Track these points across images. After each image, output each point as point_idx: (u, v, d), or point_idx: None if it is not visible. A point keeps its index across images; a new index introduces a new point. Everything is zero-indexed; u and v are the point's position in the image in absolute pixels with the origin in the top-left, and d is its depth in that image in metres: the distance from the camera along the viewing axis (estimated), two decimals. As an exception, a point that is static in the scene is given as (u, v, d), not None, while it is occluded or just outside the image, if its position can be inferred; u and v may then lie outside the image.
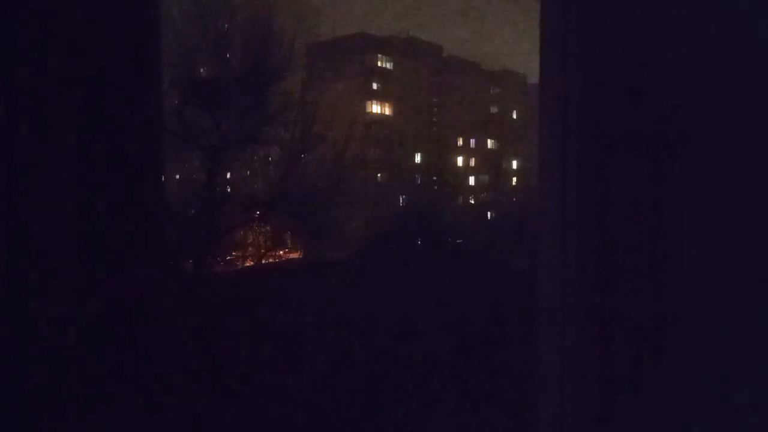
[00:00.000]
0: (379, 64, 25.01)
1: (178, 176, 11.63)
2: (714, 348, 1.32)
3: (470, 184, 27.37)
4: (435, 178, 24.78)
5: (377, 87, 24.90)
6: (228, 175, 12.54)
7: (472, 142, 28.00)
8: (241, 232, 11.95)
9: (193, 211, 10.97)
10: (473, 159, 27.74)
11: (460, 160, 27.22)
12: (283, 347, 8.76)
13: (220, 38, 11.59)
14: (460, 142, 27.61)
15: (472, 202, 26.25)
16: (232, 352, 8.28)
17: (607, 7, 1.35)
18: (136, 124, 1.12)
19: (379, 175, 22.45)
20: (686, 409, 1.34)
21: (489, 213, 23.06)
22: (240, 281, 10.89)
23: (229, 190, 12.04)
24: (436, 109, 26.83)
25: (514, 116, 28.47)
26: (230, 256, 11.75)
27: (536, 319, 1.46)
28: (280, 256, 13.19)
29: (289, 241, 13.28)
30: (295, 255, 13.81)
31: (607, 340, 1.37)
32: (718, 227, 1.31)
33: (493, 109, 27.85)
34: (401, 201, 21.47)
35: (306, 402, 7.56)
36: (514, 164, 28.11)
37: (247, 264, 11.84)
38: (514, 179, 27.73)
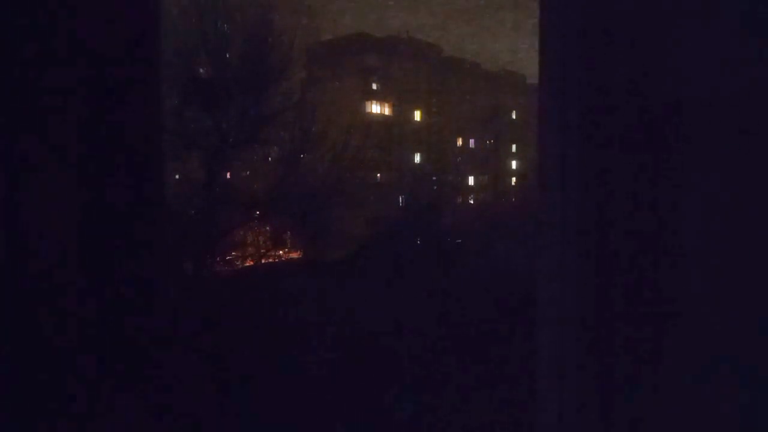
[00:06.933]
0: (379, 64, 25.01)
1: (178, 176, 11.63)
2: (714, 348, 1.32)
3: (470, 184, 27.38)
4: (435, 178, 24.77)
5: (377, 87, 24.90)
6: (228, 175, 12.54)
7: (472, 142, 28.00)
8: (241, 232, 11.95)
9: (193, 211, 10.97)
10: (473, 159, 27.74)
11: (459, 160, 27.21)
12: (283, 347, 8.77)
13: (220, 38, 11.59)
14: (460, 142, 27.62)
15: (472, 202, 26.25)
16: (232, 351, 8.28)
17: (607, 7, 1.35)
18: (136, 124, 1.12)
19: (378, 175, 22.45)
20: (686, 409, 1.34)
21: (489, 213, 23.07)
22: (240, 281, 10.89)
23: (229, 190, 12.03)
24: (435, 109, 26.82)
25: (514, 116, 28.47)
26: (230, 256, 11.75)
27: (536, 319, 1.46)
28: (280, 256, 13.19)
29: (289, 241, 13.29)
30: (295, 255, 13.81)
31: (607, 340, 1.37)
32: (718, 227, 1.31)
33: (493, 110, 27.85)
34: (401, 201, 21.48)
35: (306, 400, 7.56)
36: (514, 164, 28.12)
37: (247, 264, 11.84)
38: (514, 179, 27.74)
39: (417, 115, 26.12)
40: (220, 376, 7.64)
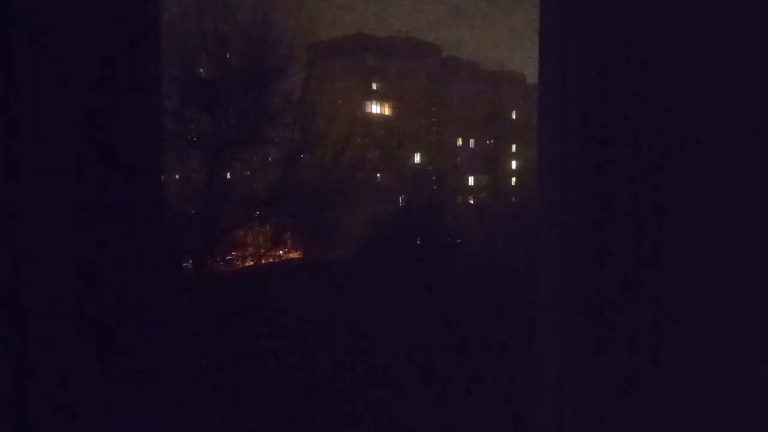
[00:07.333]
0: (379, 64, 25.00)
1: (178, 176, 11.63)
2: (714, 348, 1.32)
3: (470, 184, 27.37)
4: (435, 178, 24.77)
5: (377, 87, 24.90)
6: (228, 175, 12.54)
7: (472, 142, 28.00)
8: (241, 232, 11.95)
9: (193, 211, 10.97)
10: (473, 159, 27.73)
11: (459, 160, 27.20)
12: (283, 347, 8.76)
13: (220, 38, 11.59)
14: (460, 142, 27.61)
15: (472, 202, 26.24)
16: (233, 352, 8.28)
17: (607, 7, 1.35)
18: (135, 124, 1.12)
19: (378, 175, 22.44)
20: (686, 410, 1.34)
21: (489, 213, 23.04)
22: (240, 281, 10.89)
23: (229, 190, 12.02)
24: (435, 109, 26.82)
25: (514, 116, 28.45)
26: (230, 256, 11.75)
27: (536, 319, 1.46)
28: (280, 256, 13.19)
29: (289, 241, 13.28)
30: (295, 255, 13.81)
31: (607, 340, 1.37)
32: (718, 227, 1.31)
33: (493, 110, 27.83)
34: (401, 201, 21.46)
35: (306, 402, 7.56)
36: (514, 164, 28.10)
37: (247, 264, 11.84)
38: (514, 179, 27.71)
39: (417, 115, 26.10)
40: (220, 376, 7.64)
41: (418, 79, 25.71)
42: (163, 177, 1.22)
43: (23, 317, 1.01)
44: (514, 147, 28.12)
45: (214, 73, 11.55)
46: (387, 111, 25.30)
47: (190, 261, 10.24)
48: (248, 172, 14.36)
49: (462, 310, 9.90)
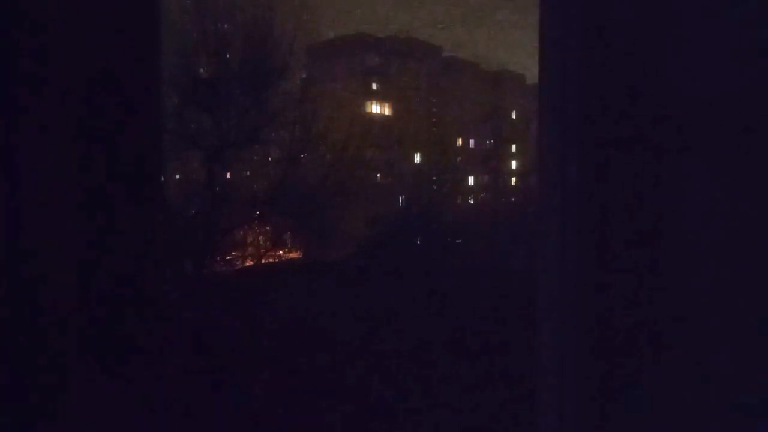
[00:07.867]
0: (379, 64, 25.00)
1: (178, 176, 11.63)
2: (713, 347, 1.32)
3: (470, 184, 27.37)
4: (435, 178, 24.75)
5: (377, 87, 24.90)
6: (228, 175, 12.54)
7: (472, 142, 27.99)
8: (241, 232, 11.95)
9: (193, 211, 10.97)
10: (473, 159, 27.73)
11: (459, 160, 27.20)
12: (283, 347, 8.77)
13: (220, 38, 11.59)
14: (460, 142, 27.61)
15: (472, 202, 26.24)
16: (232, 351, 8.28)
17: (607, 7, 1.35)
18: (136, 124, 1.12)
19: (378, 175, 22.44)
20: (686, 409, 1.34)
21: (489, 213, 23.04)
22: (240, 281, 10.90)
23: (229, 190, 12.02)
24: (435, 109, 26.82)
25: (514, 116, 28.46)
26: (230, 256, 11.75)
27: (536, 320, 1.46)
28: (280, 256, 13.19)
29: (289, 241, 13.29)
30: (295, 255, 13.82)
31: (607, 339, 1.37)
32: (717, 226, 1.31)
33: (493, 110, 27.83)
34: (401, 201, 21.46)
35: (306, 401, 7.56)
36: (514, 164, 28.10)
37: (247, 264, 11.84)
38: (514, 179, 27.72)
39: (417, 115, 26.10)
40: (219, 376, 7.64)
41: (418, 79, 25.71)
42: (163, 177, 1.22)
43: (23, 316, 1.01)
44: (514, 147, 28.13)
45: (214, 73, 11.55)
46: (387, 111, 25.30)
47: (190, 261, 10.24)
48: (248, 172, 14.36)
49: (462, 310, 9.90)
